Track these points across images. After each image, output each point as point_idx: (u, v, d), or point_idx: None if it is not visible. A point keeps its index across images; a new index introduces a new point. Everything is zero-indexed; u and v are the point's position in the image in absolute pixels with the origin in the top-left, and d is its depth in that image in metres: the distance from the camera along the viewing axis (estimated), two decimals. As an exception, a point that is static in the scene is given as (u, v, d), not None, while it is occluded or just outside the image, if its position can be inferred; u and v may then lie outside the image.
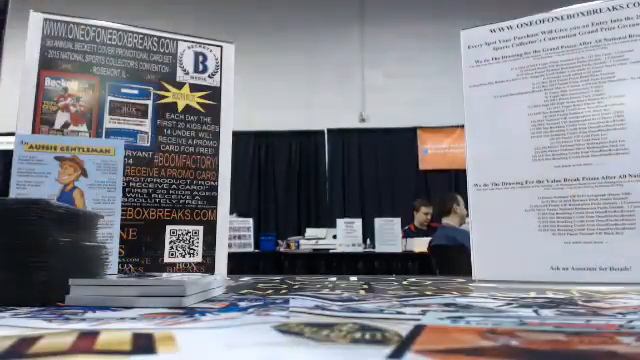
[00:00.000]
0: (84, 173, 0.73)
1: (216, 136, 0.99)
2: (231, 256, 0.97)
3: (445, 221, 3.29)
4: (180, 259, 0.91)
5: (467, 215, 3.17)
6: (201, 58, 1.00)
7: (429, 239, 3.37)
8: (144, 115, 0.93)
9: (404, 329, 0.34)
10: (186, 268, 0.92)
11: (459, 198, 3.27)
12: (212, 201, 0.96)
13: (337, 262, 4.01)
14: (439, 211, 3.37)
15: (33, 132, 0.85)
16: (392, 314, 0.43)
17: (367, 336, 0.32)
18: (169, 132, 0.95)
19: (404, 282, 0.82)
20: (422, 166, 6.18)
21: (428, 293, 0.63)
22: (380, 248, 3.82)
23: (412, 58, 6.25)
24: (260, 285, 0.77)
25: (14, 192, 0.69)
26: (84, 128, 0.89)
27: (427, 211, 4.20)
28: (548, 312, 0.45)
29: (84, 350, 0.28)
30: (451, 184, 5.56)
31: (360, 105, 6.36)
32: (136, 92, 0.94)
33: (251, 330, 0.36)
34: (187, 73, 0.98)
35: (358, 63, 6.39)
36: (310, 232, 4.65)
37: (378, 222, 3.87)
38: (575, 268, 0.79)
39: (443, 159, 6.06)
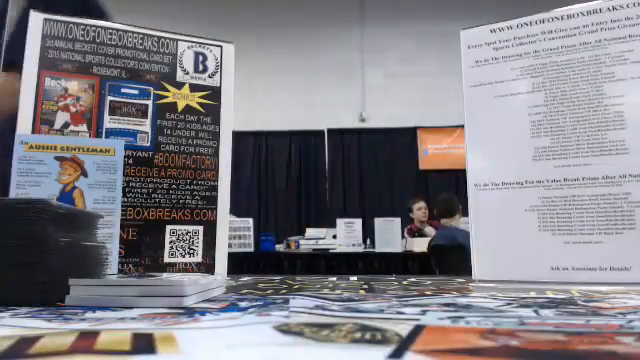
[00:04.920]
0: (84, 173, 0.73)
1: (216, 136, 0.99)
2: (231, 256, 0.97)
3: (445, 221, 3.29)
4: (180, 259, 0.91)
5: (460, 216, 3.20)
6: (201, 58, 1.00)
7: (429, 239, 3.37)
8: (144, 115, 0.93)
9: (404, 329, 0.34)
10: (186, 268, 0.92)
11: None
12: (212, 201, 0.96)
13: (337, 262, 4.01)
14: (443, 211, 3.35)
15: (33, 132, 0.85)
16: (392, 314, 0.43)
17: (367, 336, 0.32)
18: (169, 132, 0.95)
19: (404, 282, 0.82)
20: (422, 166, 6.18)
21: (428, 293, 0.63)
22: (380, 248, 3.82)
23: (412, 58, 6.26)
24: (260, 285, 0.77)
25: (14, 192, 0.69)
26: (84, 128, 0.89)
27: (420, 206, 4.20)
28: (548, 312, 0.45)
29: (84, 350, 0.28)
30: (451, 184, 5.56)
31: (360, 105, 6.37)
32: (136, 92, 0.94)
33: (251, 330, 0.36)
34: (187, 73, 0.98)
35: (358, 63, 6.40)
36: (310, 232, 4.65)
37: (378, 222, 3.87)
38: (575, 268, 0.79)
39: (443, 159, 6.07)
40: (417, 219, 4.26)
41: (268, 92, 6.22)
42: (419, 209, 4.20)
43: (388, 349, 0.28)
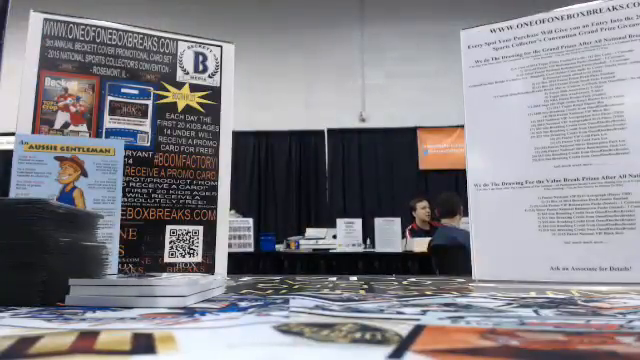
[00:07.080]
0: (84, 173, 0.73)
1: (216, 136, 0.99)
2: (231, 256, 0.97)
3: (445, 221, 3.29)
4: (180, 259, 0.91)
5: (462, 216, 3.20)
6: (201, 58, 1.00)
7: (429, 239, 3.37)
8: (144, 115, 0.93)
9: (404, 329, 0.34)
10: (186, 268, 0.92)
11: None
12: (212, 201, 0.96)
13: (337, 262, 4.01)
14: (444, 211, 3.35)
15: (33, 132, 0.85)
16: (392, 314, 0.43)
17: (367, 336, 0.32)
18: (169, 132, 0.95)
19: (404, 282, 0.82)
20: (422, 166, 6.18)
21: (428, 293, 0.63)
22: (380, 248, 3.81)
23: (412, 58, 6.25)
24: (260, 285, 0.77)
25: (14, 192, 0.69)
26: (84, 128, 0.89)
27: (424, 205, 4.19)
28: (548, 312, 0.45)
29: (84, 350, 0.28)
30: (451, 184, 5.55)
31: (360, 105, 6.36)
32: (136, 92, 0.94)
33: (251, 330, 0.36)
34: (187, 73, 0.98)
35: (358, 63, 6.39)
36: (310, 232, 4.65)
37: (378, 222, 3.86)
38: (575, 268, 0.79)
39: (443, 159, 6.06)
40: (420, 218, 4.26)
41: (268, 92, 6.22)
42: (423, 208, 4.20)
43: (388, 349, 0.28)
